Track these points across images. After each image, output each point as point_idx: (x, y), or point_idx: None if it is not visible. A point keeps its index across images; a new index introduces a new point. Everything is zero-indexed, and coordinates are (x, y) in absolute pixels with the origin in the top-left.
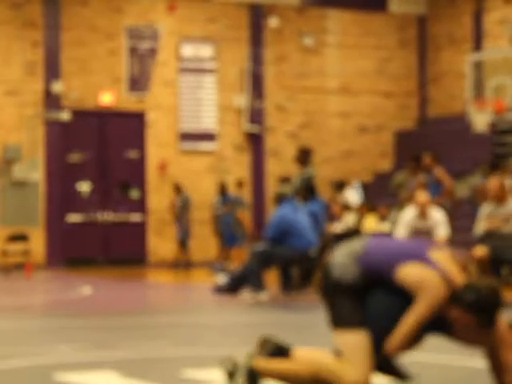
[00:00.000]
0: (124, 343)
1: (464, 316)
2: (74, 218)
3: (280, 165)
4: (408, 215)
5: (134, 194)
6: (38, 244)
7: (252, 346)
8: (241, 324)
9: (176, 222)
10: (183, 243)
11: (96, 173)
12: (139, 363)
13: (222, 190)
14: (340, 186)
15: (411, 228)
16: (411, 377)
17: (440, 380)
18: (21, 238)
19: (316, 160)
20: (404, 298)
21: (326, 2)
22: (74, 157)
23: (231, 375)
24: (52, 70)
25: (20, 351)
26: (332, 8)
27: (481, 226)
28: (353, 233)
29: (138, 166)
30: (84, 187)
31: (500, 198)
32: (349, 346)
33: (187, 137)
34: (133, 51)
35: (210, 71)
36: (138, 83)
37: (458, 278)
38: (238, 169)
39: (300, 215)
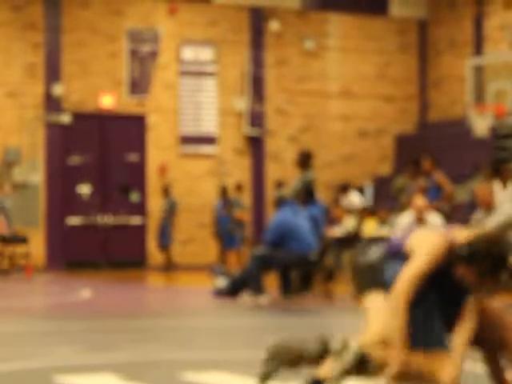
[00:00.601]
0: (123, 346)
1: (466, 270)
2: (74, 220)
3: (280, 168)
4: (405, 220)
5: (134, 197)
6: (38, 246)
7: (251, 349)
8: (240, 327)
9: (161, 225)
10: (164, 247)
11: (96, 175)
12: (139, 366)
13: (223, 194)
14: (344, 188)
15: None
16: None
17: None
18: (21, 240)
19: (316, 164)
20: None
21: (326, 6)
22: (75, 159)
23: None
24: (52, 72)
25: (20, 353)
26: (333, 12)
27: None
28: (352, 237)
29: (139, 169)
30: (84, 190)
31: (488, 205)
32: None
33: (187, 140)
34: (133, 54)
35: (211, 74)
36: (138, 86)
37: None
38: (238, 172)
39: (300, 219)
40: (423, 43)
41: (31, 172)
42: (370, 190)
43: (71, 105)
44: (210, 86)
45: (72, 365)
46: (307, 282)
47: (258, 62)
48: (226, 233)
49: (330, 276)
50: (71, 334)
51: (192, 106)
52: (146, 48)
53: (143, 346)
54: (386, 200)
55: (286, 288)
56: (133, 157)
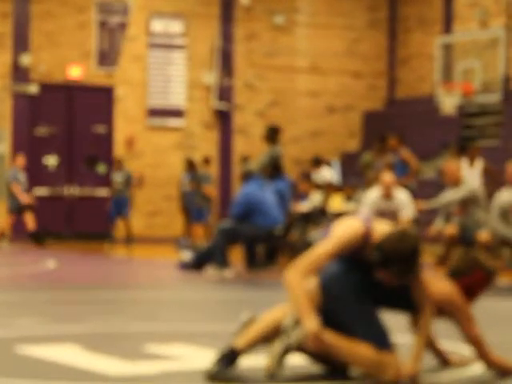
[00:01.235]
0: (87, 317)
1: (384, 273)
2: (40, 191)
3: (248, 143)
4: (373, 195)
5: (101, 168)
6: (3, 216)
7: (216, 322)
8: (205, 300)
9: (113, 197)
10: (121, 218)
11: (63, 147)
12: (102, 337)
13: (190, 167)
14: (317, 162)
15: (375, 208)
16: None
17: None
18: None
19: (284, 139)
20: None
21: None
22: (42, 130)
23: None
24: (20, 42)
25: None
26: None
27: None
28: (319, 212)
29: (106, 141)
30: (51, 161)
31: (456, 182)
32: None
33: (155, 113)
34: (102, 25)
35: (180, 47)
36: (107, 58)
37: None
38: (206, 146)
39: (266, 193)
40: (393, 20)
41: None
42: (337, 166)
43: (39, 75)
44: (178, 59)
45: (35, 335)
46: (272, 256)
47: (227, 36)
48: (192, 206)
49: (294, 250)
50: (35, 305)
51: (160, 78)
52: (115, 20)
53: (107, 317)
54: (353, 176)
55: (251, 262)
56: (100, 128)
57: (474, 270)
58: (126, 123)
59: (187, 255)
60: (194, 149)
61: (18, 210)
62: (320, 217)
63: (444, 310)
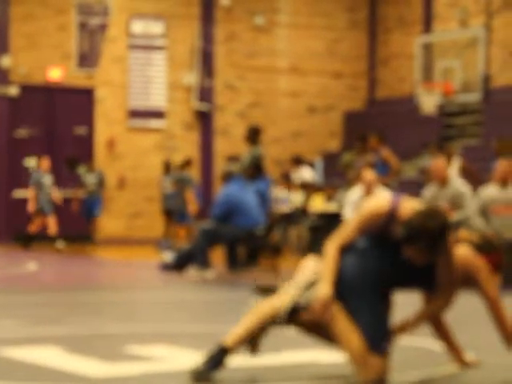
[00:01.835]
0: (68, 319)
1: (412, 251)
2: (20, 193)
3: (229, 144)
4: (355, 195)
5: (82, 170)
6: None
7: (198, 322)
8: (186, 301)
9: (85, 198)
10: (90, 219)
11: (44, 149)
12: (83, 339)
13: (167, 169)
14: (297, 161)
15: (357, 208)
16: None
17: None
18: None
19: (265, 139)
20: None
21: None
22: (22, 132)
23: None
24: (0, 44)
25: None
26: None
27: None
28: (300, 213)
29: (86, 143)
30: (31, 163)
31: (443, 180)
32: None
33: (136, 114)
34: (82, 27)
35: (160, 48)
36: (87, 59)
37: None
38: (187, 147)
39: (247, 194)
40: (373, 20)
41: None
42: (320, 166)
43: (19, 77)
44: (159, 60)
45: (15, 337)
46: (253, 257)
47: (207, 37)
48: (174, 208)
49: (276, 251)
50: (15, 307)
51: (141, 79)
52: (95, 21)
53: (88, 319)
54: (334, 176)
55: (233, 263)
56: (81, 130)
57: (495, 250)
58: (107, 125)
59: (168, 256)
60: (175, 150)
61: (41, 212)
62: (301, 217)
63: (465, 275)
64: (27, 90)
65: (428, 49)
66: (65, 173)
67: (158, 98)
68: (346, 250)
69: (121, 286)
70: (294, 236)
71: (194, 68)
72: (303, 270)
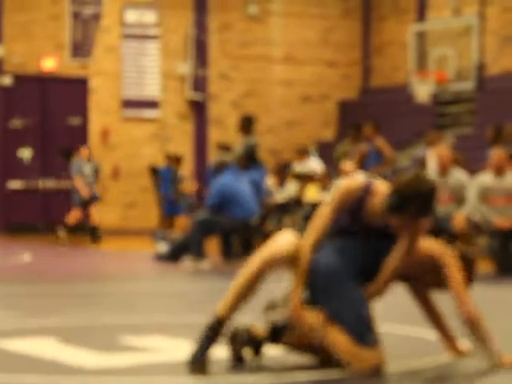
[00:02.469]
0: (63, 310)
1: (398, 219)
2: (14, 184)
3: (223, 133)
4: None
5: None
6: None
7: (193, 313)
8: (181, 292)
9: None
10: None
11: (38, 139)
12: (79, 330)
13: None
14: (303, 152)
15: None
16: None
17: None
18: None
19: (259, 129)
20: None
21: None
22: (16, 122)
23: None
24: None
25: None
26: None
27: None
28: (294, 202)
29: (81, 133)
30: (25, 153)
31: (445, 169)
32: None
33: (130, 104)
34: (76, 16)
35: (154, 38)
36: (80, 49)
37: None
38: (181, 137)
39: (241, 184)
40: (366, 8)
41: None
42: (314, 155)
43: (13, 67)
44: (152, 49)
45: (9, 329)
46: (248, 247)
47: (201, 26)
48: (170, 201)
49: None
50: (10, 299)
51: (135, 69)
52: (88, 11)
53: (84, 310)
54: (328, 165)
55: (227, 253)
56: (75, 120)
57: (469, 265)
58: (101, 115)
59: (163, 247)
60: (169, 140)
61: (81, 204)
62: (295, 207)
63: (431, 267)
64: (21, 79)
65: (422, 37)
66: (59, 163)
67: (151, 88)
68: (323, 244)
69: (115, 276)
70: (289, 226)
71: (188, 57)
72: (276, 241)
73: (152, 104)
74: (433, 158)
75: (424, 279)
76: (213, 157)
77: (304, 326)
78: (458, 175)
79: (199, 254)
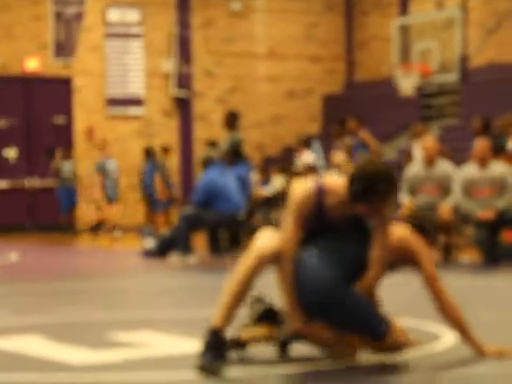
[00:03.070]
0: (51, 308)
1: (366, 205)
2: (0, 184)
3: (208, 129)
4: None
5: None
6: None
7: (181, 308)
8: (169, 287)
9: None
10: (70, 208)
11: (22, 139)
12: (67, 327)
13: (150, 156)
14: (306, 142)
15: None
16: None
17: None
18: None
19: (244, 124)
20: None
21: None
22: (0, 123)
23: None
24: None
25: None
26: None
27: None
28: (281, 196)
29: (65, 132)
30: (10, 153)
31: (431, 160)
32: None
33: (115, 102)
34: (59, 16)
35: (137, 36)
36: (64, 48)
37: (339, 182)
38: (166, 134)
39: (227, 179)
40: (349, 3)
41: None
42: (318, 148)
43: None
44: (136, 47)
45: None
46: (235, 242)
47: (184, 24)
48: (153, 195)
49: None
50: None
51: (119, 68)
52: (71, 10)
53: (72, 307)
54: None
55: (215, 248)
56: (59, 119)
57: (425, 232)
58: (86, 113)
59: (150, 243)
60: (155, 137)
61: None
62: (282, 201)
63: (402, 255)
64: (4, 80)
65: (405, 31)
66: (44, 162)
67: (136, 86)
68: (301, 257)
69: (103, 273)
70: (276, 220)
71: (172, 55)
72: (261, 241)
73: (137, 102)
74: (418, 149)
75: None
76: (198, 153)
77: (315, 341)
78: (444, 166)
79: (186, 249)
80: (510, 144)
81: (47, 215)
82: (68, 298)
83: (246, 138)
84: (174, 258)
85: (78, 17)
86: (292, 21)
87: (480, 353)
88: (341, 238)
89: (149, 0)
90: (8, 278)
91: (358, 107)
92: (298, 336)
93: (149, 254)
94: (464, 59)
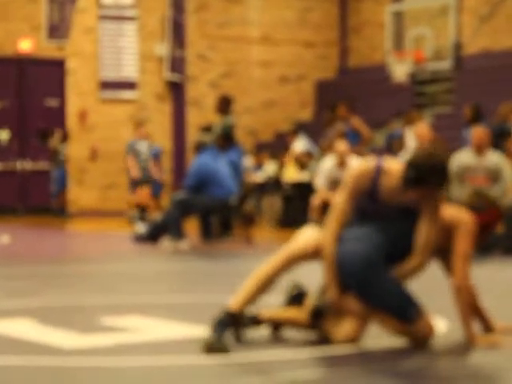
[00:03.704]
0: (42, 292)
1: (417, 192)
2: None
3: (201, 114)
4: (327, 164)
5: (55, 142)
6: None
7: (172, 293)
8: (160, 272)
9: (58, 170)
10: (60, 191)
11: (15, 121)
12: (57, 311)
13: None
14: (297, 131)
15: (330, 177)
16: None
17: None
18: None
19: (237, 109)
20: None
21: None
22: None
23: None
24: None
25: None
26: None
27: None
28: (273, 182)
29: (58, 115)
30: (3, 135)
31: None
32: None
33: (108, 85)
34: None
35: (131, 19)
36: (57, 30)
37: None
38: (159, 118)
39: (220, 164)
40: None
41: None
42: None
43: None
44: (130, 30)
45: None
46: (227, 227)
47: (178, 7)
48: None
49: (249, 221)
50: None
51: (112, 50)
52: None
53: (62, 291)
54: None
55: (206, 233)
56: (52, 102)
57: (489, 207)
58: (78, 96)
59: (142, 228)
60: (147, 121)
61: (133, 184)
62: (274, 187)
63: (448, 234)
64: None
65: (399, 17)
66: (36, 145)
67: (129, 69)
68: (345, 233)
69: (94, 258)
70: (268, 206)
71: (166, 38)
72: (298, 238)
73: (130, 85)
74: (411, 136)
75: (448, 247)
76: (191, 137)
77: (348, 314)
78: (494, 157)
79: (178, 234)
80: None
81: (39, 198)
82: (58, 282)
83: (238, 123)
84: (166, 243)
85: None
86: (286, 6)
87: (471, 341)
88: (387, 220)
89: None
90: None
91: (350, 93)
92: (331, 307)
93: (140, 238)
94: (458, 46)
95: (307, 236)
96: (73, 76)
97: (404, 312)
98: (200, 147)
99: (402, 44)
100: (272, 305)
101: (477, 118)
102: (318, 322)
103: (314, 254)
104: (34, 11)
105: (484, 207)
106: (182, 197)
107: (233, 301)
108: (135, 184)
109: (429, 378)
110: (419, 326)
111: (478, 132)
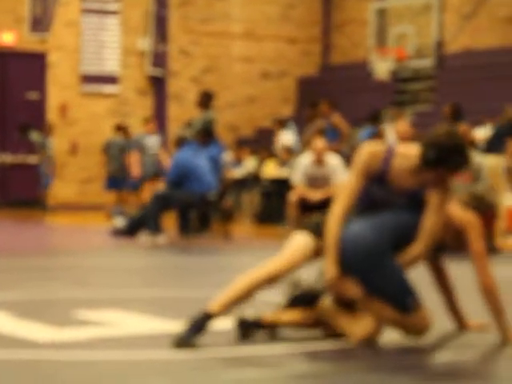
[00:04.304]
0: (18, 285)
1: (436, 173)
2: None
3: (183, 109)
4: (304, 161)
5: (35, 136)
6: None
7: (149, 287)
8: (138, 266)
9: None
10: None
11: None
12: (33, 304)
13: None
14: (282, 123)
15: (307, 174)
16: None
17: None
18: None
19: (219, 104)
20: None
21: None
22: None
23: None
24: None
25: None
26: None
27: None
28: (252, 178)
29: (39, 108)
30: None
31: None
32: None
33: (89, 79)
34: None
35: (114, 13)
36: (39, 23)
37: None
38: (140, 112)
39: (200, 159)
40: None
41: None
42: (293, 128)
43: None
44: (112, 24)
45: None
46: (205, 222)
47: (161, 2)
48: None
49: (228, 216)
50: None
51: (94, 44)
52: None
53: (39, 284)
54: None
55: (184, 228)
56: (33, 95)
57: (486, 208)
58: (60, 90)
59: (120, 222)
60: (128, 115)
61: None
62: (253, 183)
63: (456, 233)
64: None
65: (382, 14)
66: (16, 138)
67: (111, 63)
68: (353, 218)
69: (72, 251)
70: (247, 202)
71: (148, 33)
72: (290, 244)
73: (111, 79)
74: (392, 133)
75: (443, 241)
76: (172, 132)
77: (343, 296)
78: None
79: (156, 228)
80: None
81: (19, 191)
82: (36, 275)
83: (219, 118)
84: (144, 238)
85: None
86: (269, 1)
87: (506, 339)
88: (394, 209)
89: None
90: None
91: (332, 90)
92: (328, 290)
93: (118, 232)
94: (440, 45)
95: (301, 243)
96: (54, 69)
97: (402, 301)
98: (180, 142)
99: (384, 41)
100: (272, 305)
101: (456, 116)
102: (246, 332)
103: (307, 260)
104: (17, 4)
105: (481, 209)
106: (162, 191)
107: (214, 302)
108: (140, 181)
109: (432, 373)
110: (416, 318)
111: (461, 129)
